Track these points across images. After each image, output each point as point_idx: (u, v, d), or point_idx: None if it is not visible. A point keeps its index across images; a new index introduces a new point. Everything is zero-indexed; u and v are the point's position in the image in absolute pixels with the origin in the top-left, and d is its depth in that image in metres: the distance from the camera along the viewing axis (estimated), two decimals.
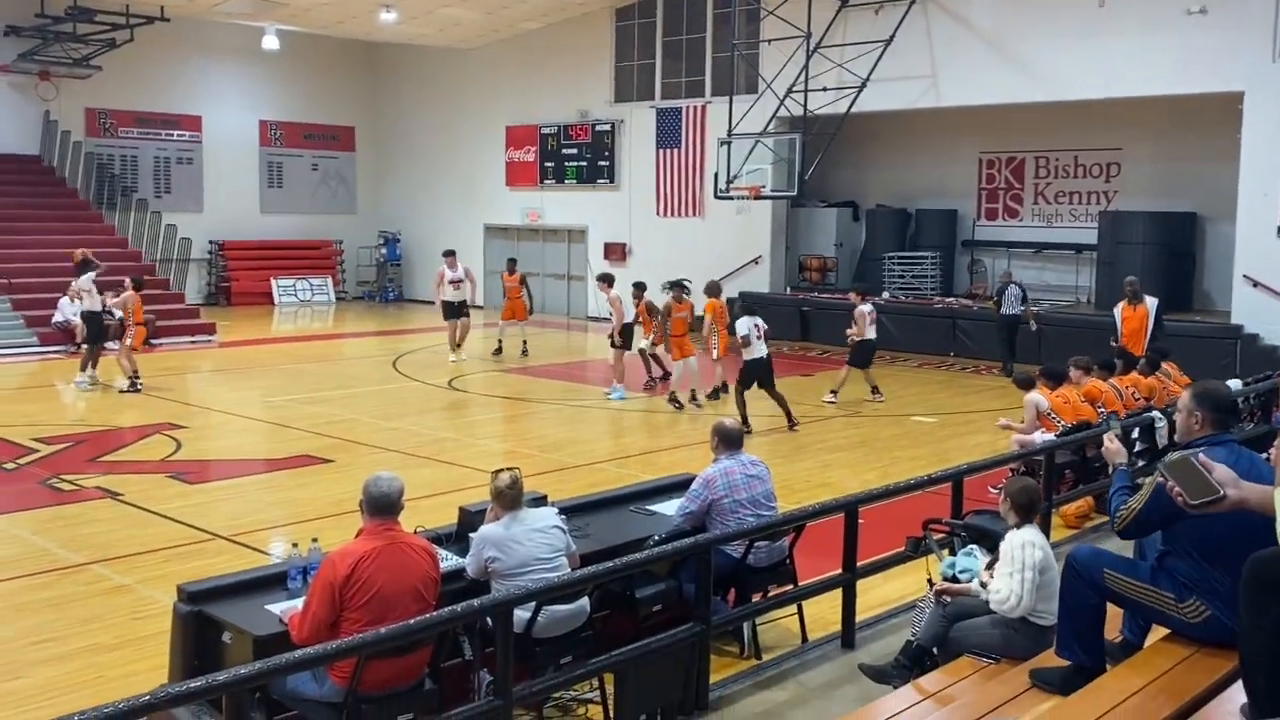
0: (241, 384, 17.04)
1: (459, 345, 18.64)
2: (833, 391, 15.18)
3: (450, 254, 19.28)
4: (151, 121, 27.03)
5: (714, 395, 15.25)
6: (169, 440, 12.40)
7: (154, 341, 20.48)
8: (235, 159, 28.43)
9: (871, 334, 15.30)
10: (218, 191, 28.11)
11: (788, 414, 13.23)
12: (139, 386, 15.60)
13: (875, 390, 15.32)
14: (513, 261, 19.96)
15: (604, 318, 21.29)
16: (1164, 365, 11.82)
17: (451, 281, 18.62)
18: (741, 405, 13.06)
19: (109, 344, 16.09)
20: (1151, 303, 14.37)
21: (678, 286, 15.81)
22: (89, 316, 16.09)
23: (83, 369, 16.02)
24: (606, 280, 16.60)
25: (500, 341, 19.36)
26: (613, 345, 15.87)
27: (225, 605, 5.10)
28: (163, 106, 27.10)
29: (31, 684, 4.78)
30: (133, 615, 7.05)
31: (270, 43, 26.09)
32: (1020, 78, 19.01)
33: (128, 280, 16.07)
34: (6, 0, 23.59)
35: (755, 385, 13.18)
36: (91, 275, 16.11)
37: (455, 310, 18.66)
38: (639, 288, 16.39)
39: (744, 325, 13.11)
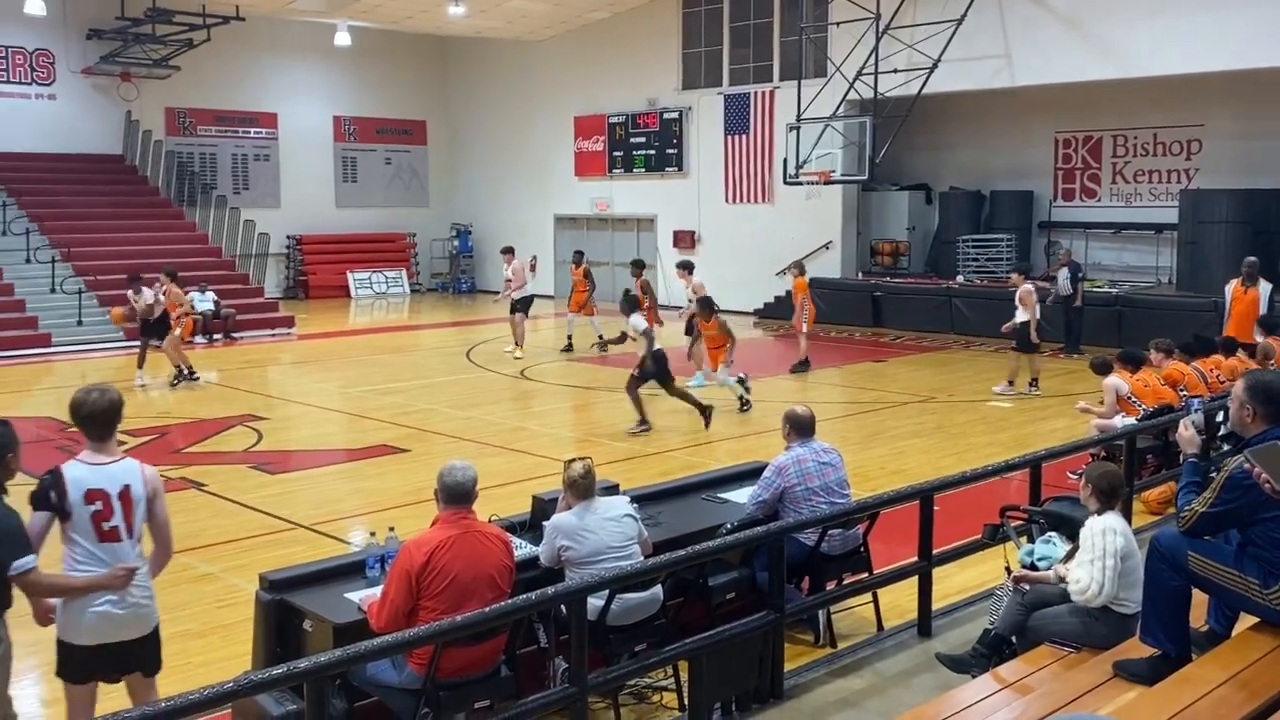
0: (320, 376, 17.34)
1: (516, 343, 18.43)
2: (1009, 383, 14.59)
3: (507, 251, 19.16)
4: (229, 119, 27.59)
5: (801, 367, 15.61)
6: (250, 432, 12.67)
7: (235, 335, 21.00)
8: (310, 155, 28.92)
9: (1034, 315, 14.43)
10: (294, 187, 28.63)
11: (700, 409, 12.60)
12: (195, 376, 15.93)
13: (1034, 382, 14.57)
14: (579, 254, 19.92)
15: (672, 306, 21.29)
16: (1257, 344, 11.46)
17: (506, 280, 18.69)
18: (636, 401, 12.44)
19: (153, 340, 16.07)
20: (1265, 288, 13.86)
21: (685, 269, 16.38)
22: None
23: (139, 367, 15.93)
24: (687, 268, 16.33)
25: (570, 337, 19.09)
26: (686, 333, 15.79)
27: (306, 593, 5.21)
28: (240, 104, 27.64)
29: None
30: (217, 603, 7.23)
31: (342, 39, 26.51)
32: (1096, 55, 18.59)
33: (162, 275, 16.37)
34: (88, 4, 24.22)
35: (652, 381, 12.49)
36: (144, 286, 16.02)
37: (516, 304, 18.49)
38: (637, 266, 17.77)
39: (642, 320, 12.72)
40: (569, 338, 19.07)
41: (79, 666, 4.56)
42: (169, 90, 26.21)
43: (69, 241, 21.79)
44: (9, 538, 4.27)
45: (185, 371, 15.95)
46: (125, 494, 4.40)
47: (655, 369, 12.31)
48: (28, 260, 21.05)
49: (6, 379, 16.75)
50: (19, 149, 24.09)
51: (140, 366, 15.90)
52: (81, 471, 4.35)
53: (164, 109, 26.49)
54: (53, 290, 20.46)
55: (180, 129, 26.92)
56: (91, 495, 4.33)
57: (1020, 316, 14.52)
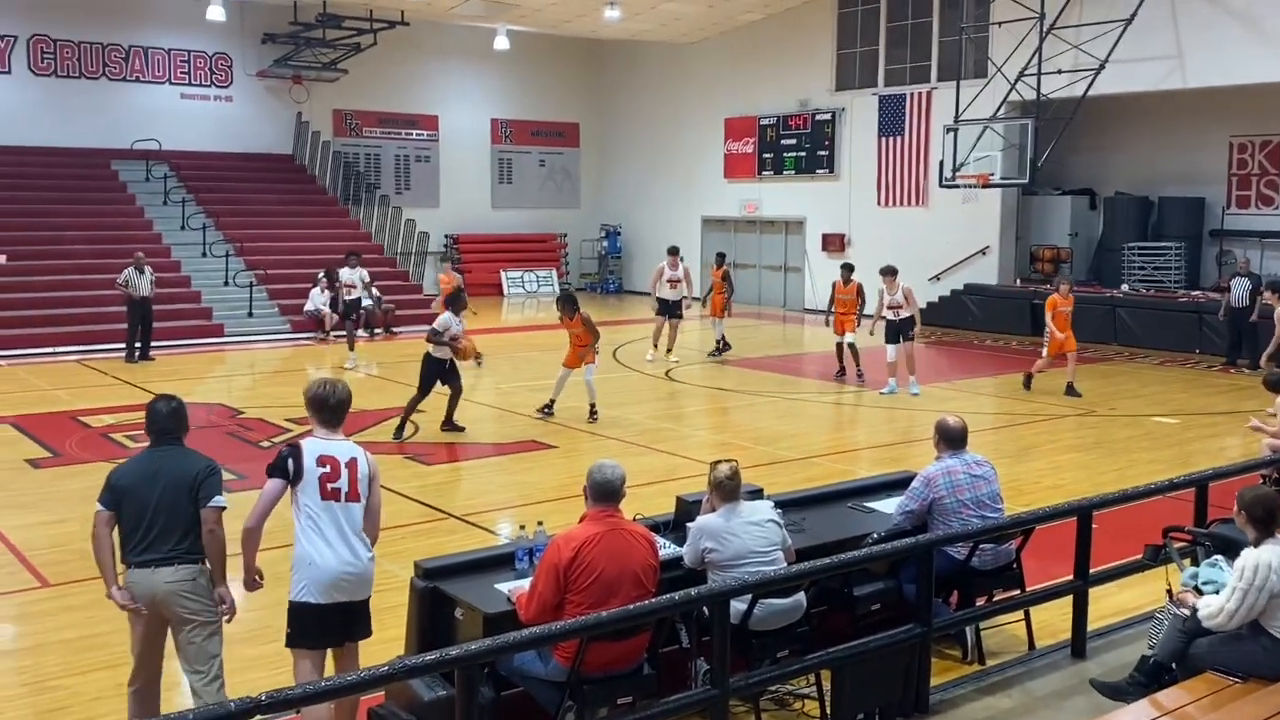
0: (473, 371, 17.74)
1: (669, 349, 18.20)
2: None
3: (674, 251, 18.85)
4: (392, 121, 28.54)
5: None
6: (409, 423, 13.06)
7: (394, 330, 21.70)
8: (468, 156, 29.70)
9: None
10: (452, 187, 29.44)
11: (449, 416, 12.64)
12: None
13: None
14: (721, 255, 19.70)
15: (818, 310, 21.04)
16: None
17: (670, 280, 18.20)
18: (410, 410, 12.35)
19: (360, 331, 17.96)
20: None
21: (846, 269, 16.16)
22: (352, 304, 18.40)
23: (351, 347, 18.14)
24: (892, 273, 15.21)
25: (717, 341, 18.78)
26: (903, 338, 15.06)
27: (458, 583, 5.36)
28: (402, 107, 28.58)
29: (281, 651, 5.17)
30: (375, 588, 7.48)
31: (501, 43, 27.14)
32: (1277, 56, 17.65)
33: (444, 263, 18.12)
34: (264, 10, 25.40)
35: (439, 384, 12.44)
36: (351, 268, 18.46)
37: (669, 309, 18.19)
38: (720, 258, 17.79)
39: (448, 320, 12.36)
40: (718, 341, 18.83)
41: (316, 627, 5.00)
42: (337, 93, 27.28)
43: (242, 237, 22.90)
44: (215, 476, 5.01)
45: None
46: (352, 464, 4.97)
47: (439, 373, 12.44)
48: (204, 254, 22.20)
49: (182, 366, 17.68)
50: (198, 148, 25.46)
51: (351, 349, 17.91)
52: (316, 444, 5.00)
53: (332, 111, 27.59)
54: (226, 283, 21.53)
55: (347, 130, 27.98)
56: (323, 459, 4.93)
57: None
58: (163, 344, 18.59)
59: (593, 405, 13.30)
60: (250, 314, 21.09)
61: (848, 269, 16.29)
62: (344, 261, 18.79)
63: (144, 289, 17.75)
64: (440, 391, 12.53)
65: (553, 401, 13.45)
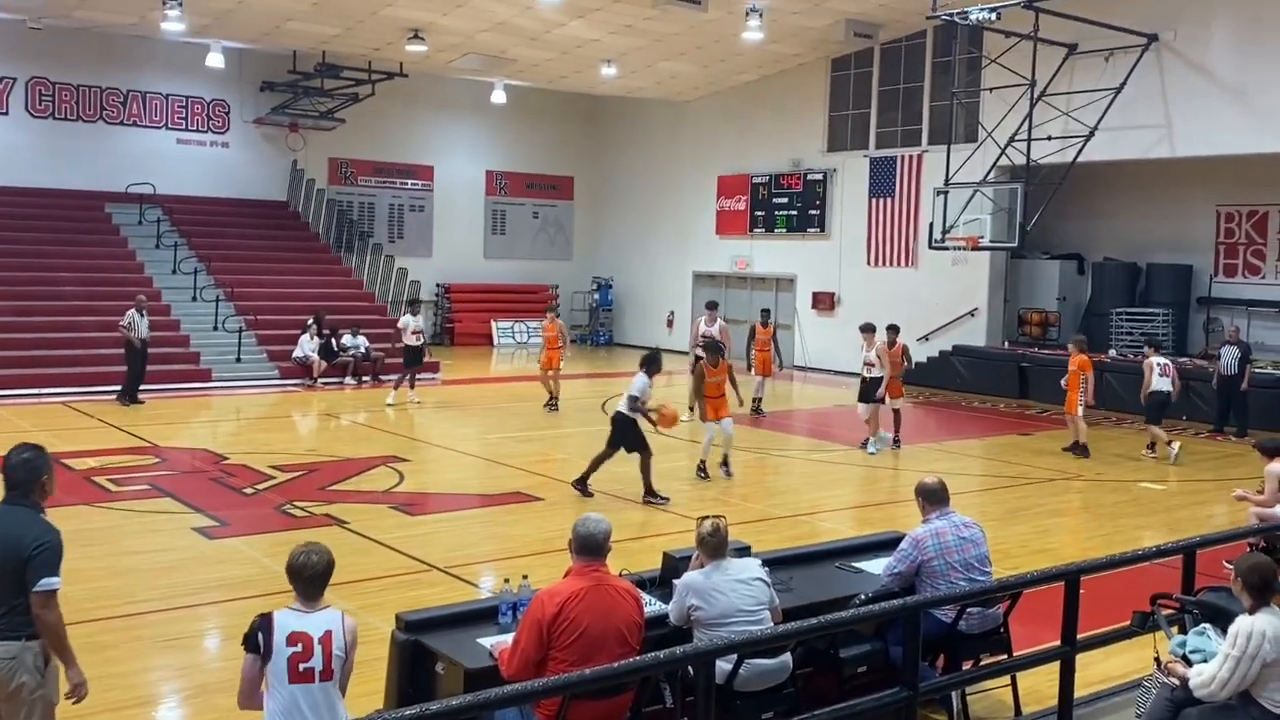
0: (461, 420, 17.73)
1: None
2: None
3: (712, 305, 18.18)
4: (388, 171, 28.72)
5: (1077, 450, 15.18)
6: (393, 472, 13.01)
7: (383, 378, 21.65)
8: (462, 207, 29.88)
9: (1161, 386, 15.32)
10: (446, 237, 29.58)
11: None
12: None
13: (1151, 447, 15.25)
14: (765, 313, 19.30)
15: (812, 367, 21.10)
16: None
17: (704, 335, 17.12)
18: (597, 465, 11.82)
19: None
20: None
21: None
22: (410, 349, 18.95)
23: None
24: (869, 330, 15.46)
25: (756, 399, 18.16)
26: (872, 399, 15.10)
27: (439, 636, 5.29)
28: (398, 157, 28.77)
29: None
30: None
31: (498, 97, 27.42)
32: (1264, 127, 17.91)
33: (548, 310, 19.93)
34: (263, 59, 25.62)
35: None
36: (413, 315, 19.17)
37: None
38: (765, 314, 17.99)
39: (644, 384, 11.74)
40: (756, 399, 18.23)
41: None
42: (333, 141, 27.46)
43: (233, 282, 22.90)
44: (46, 551, 4.51)
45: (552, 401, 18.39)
46: (327, 639, 4.46)
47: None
48: (194, 299, 22.18)
49: (168, 411, 17.60)
50: (193, 193, 25.55)
51: (396, 388, 18.70)
52: (289, 618, 4.46)
53: (327, 159, 27.75)
54: (215, 328, 21.49)
55: (342, 178, 28.13)
56: (294, 638, 4.41)
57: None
58: (150, 388, 18.51)
59: (725, 458, 13.21)
60: (239, 359, 21.03)
61: (893, 330, 15.84)
62: (409, 308, 19.57)
63: (144, 331, 17.84)
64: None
65: (704, 462, 13.18)
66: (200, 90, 25.91)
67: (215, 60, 23.94)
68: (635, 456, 11.72)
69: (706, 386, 13.10)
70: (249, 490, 11.96)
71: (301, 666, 4.40)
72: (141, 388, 18.08)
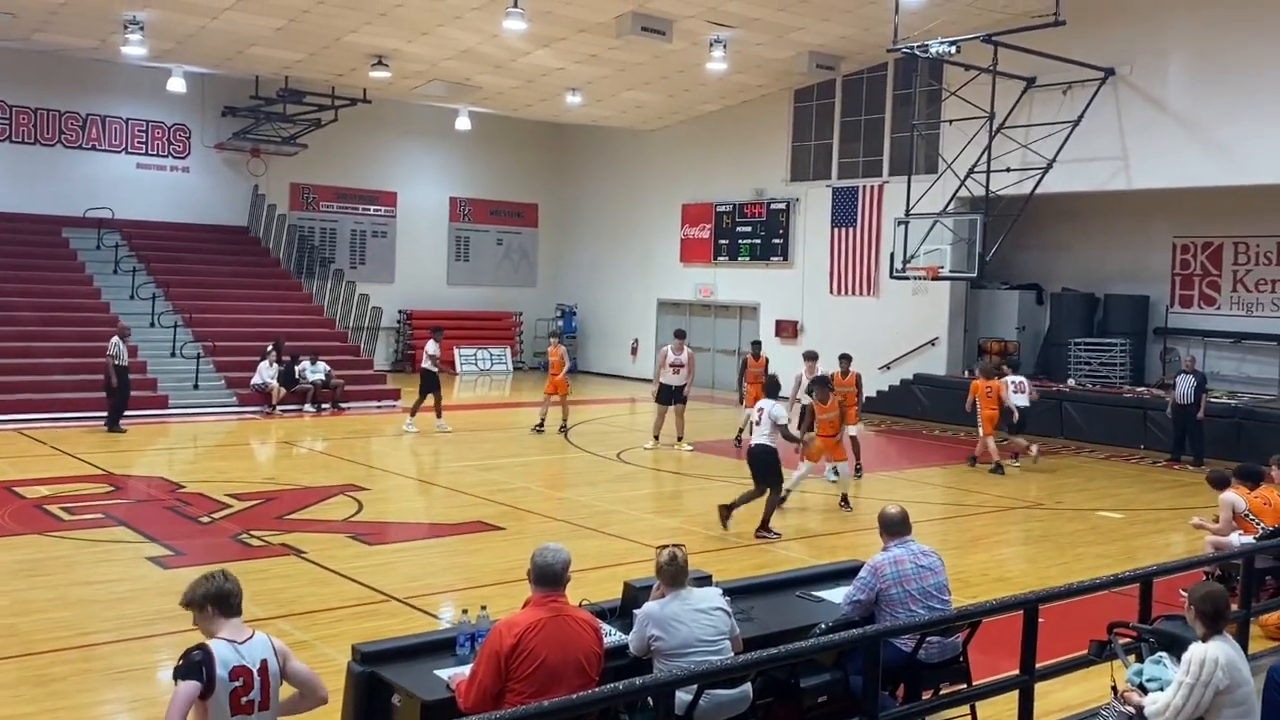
0: (422, 449, 17.61)
1: (680, 437, 17.56)
2: None
3: (680, 334, 18.41)
4: (350, 196, 28.61)
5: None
6: (351, 501, 12.88)
7: (343, 405, 21.48)
8: (426, 233, 29.80)
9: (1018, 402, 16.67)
10: (408, 263, 29.48)
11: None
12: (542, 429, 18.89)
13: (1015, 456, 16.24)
14: (757, 345, 19.04)
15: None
16: None
17: (673, 365, 17.51)
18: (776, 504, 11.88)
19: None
20: None
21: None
22: (426, 374, 18.81)
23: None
24: (811, 358, 15.91)
25: (741, 429, 17.92)
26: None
27: (396, 668, 5.22)
28: (361, 182, 28.69)
29: None
30: None
31: (463, 124, 27.44)
32: (1218, 160, 18.24)
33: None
34: (225, 83, 25.49)
35: None
36: (435, 341, 19.06)
37: (671, 395, 17.51)
38: (756, 346, 17.89)
39: (781, 410, 11.82)
40: (741, 430, 17.95)
41: None
42: (295, 166, 27.33)
43: (191, 308, 22.67)
44: None
45: (546, 422, 18.69)
46: (264, 669, 4.43)
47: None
48: (152, 324, 21.92)
49: (124, 438, 17.34)
50: (152, 218, 25.31)
51: (414, 414, 18.71)
52: (227, 651, 4.38)
53: (289, 184, 27.61)
54: (173, 354, 21.24)
55: (303, 204, 27.98)
56: (236, 673, 4.36)
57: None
58: (105, 414, 18.25)
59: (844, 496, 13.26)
60: (196, 386, 20.78)
61: (845, 360, 15.82)
62: (430, 335, 19.40)
63: (125, 358, 17.90)
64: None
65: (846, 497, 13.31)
66: (161, 114, 25.73)
67: (176, 85, 23.81)
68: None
69: (820, 425, 13.00)
70: (205, 519, 11.80)
71: (244, 699, 4.37)
72: (98, 414, 17.85)
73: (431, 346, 18.89)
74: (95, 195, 24.50)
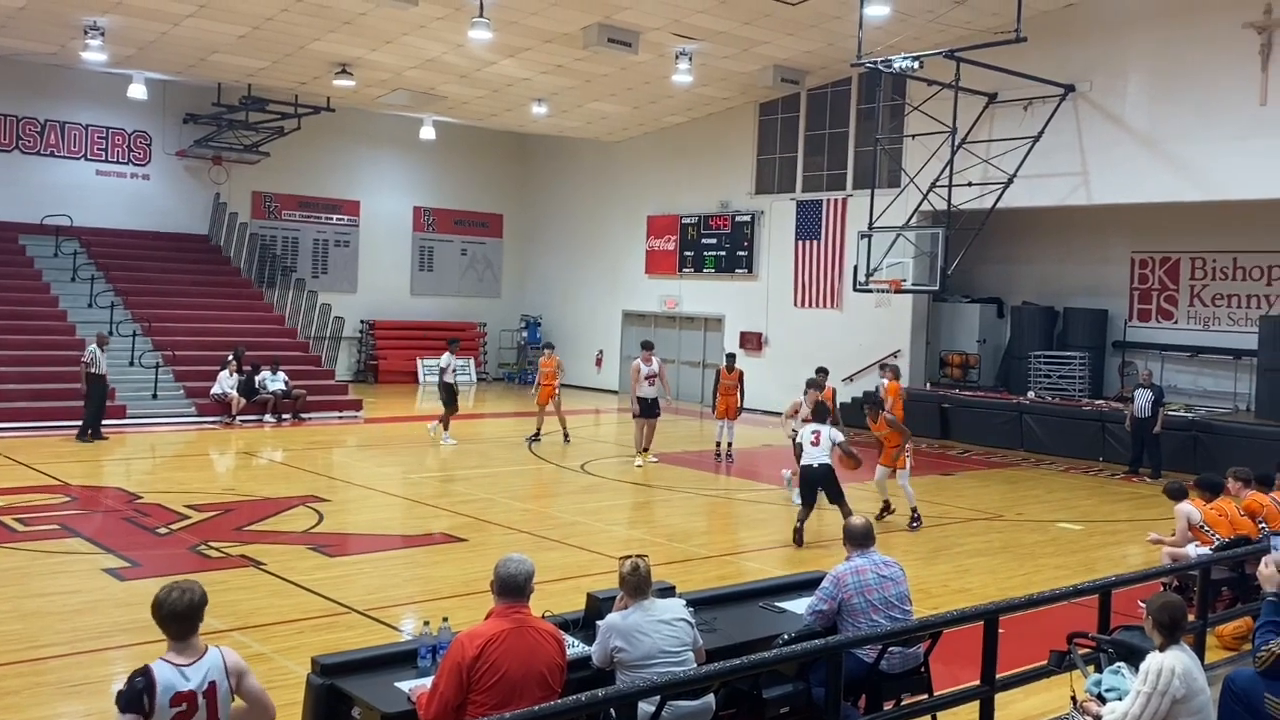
0: (384, 460, 17.49)
1: (646, 448, 17.36)
2: None
3: (648, 346, 18.13)
4: (313, 205, 28.43)
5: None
6: (312, 512, 12.76)
7: (304, 415, 21.30)
8: (389, 243, 29.66)
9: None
10: (371, 273, 29.32)
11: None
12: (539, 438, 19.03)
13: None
14: (731, 357, 18.99)
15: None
16: None
17: (647, 377, 17.34)
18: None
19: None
20: None
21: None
22: (446, 386, 18.89)
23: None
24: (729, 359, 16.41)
25: (718, 442, 18.19)
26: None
27: (357, 680, 5.17)
28: (324, 191, 28.51)
29: None
30: (267, 684, 7.08)
31: (427, 133, 27.35)
32: (1176, 176, 18.50)
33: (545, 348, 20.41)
34: (187, 91, 25.28)
35: None
36: (452, 353, 19.11)
37: (650, 408, 17.35)
38: (730, 359, 18.05)
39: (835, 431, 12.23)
40: (725, 444, 18.12)
41: None
42: (257, 175, 27.12)
43: (150, 317, 22.41)
44: None
45: (544, 431, 18.93)
46: (211, 691, 4.33)
47: None
48: (110, 333, 21.57)
49: (81, 448, 17.11)
50: (112, 225, 25.05)
51: (446, 428, 18.70)
52: (170, 675, 4.27)
53: (251, 193, 27.39)
54: (131, 364, 20.97)
55: (265, 212, 27.77)
56: (178, 699, 4.25)
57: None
58: (62, 424, 18.01)
59: (914, 510, 13.24)
60: (155, 396, 20.54)
61: (822, 373, 15.99)
62: (446, 347, 19.42)
63: (104, 367, 17.74)
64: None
65: (887, 503, 13.60)
66: (121, 121, 25.47)
67: (137, 91, 23.58)
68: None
69: (884, 438, 13.49)
70: (163, 530, 11.65)
71: None
72: (55, 424, 17.62)
73: (445, 359, 19.01)
74: (53, 202, 24.20)
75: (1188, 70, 18.42)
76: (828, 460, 11.89)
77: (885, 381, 15.27)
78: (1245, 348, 19.90)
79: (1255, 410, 19.36)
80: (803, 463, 12.09)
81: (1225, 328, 20.70)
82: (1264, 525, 9.54)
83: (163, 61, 22.42)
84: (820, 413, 12.83)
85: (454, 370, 19.05)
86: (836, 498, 11.92)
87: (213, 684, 4.34)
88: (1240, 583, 9.09)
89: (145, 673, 4.25)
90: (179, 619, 4.36)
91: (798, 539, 11.91)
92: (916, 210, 20.73)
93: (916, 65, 18.07)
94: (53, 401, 18.37)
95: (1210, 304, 20.97)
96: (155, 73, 23.56)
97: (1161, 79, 18.84)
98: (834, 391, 16.66)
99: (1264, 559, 4.68)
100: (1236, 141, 17.65)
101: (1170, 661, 4.86)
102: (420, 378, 28.97)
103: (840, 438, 12.10)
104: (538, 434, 19.15)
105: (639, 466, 17.03)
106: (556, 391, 19.09)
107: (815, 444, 11.96)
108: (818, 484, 11.92)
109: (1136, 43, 19.17)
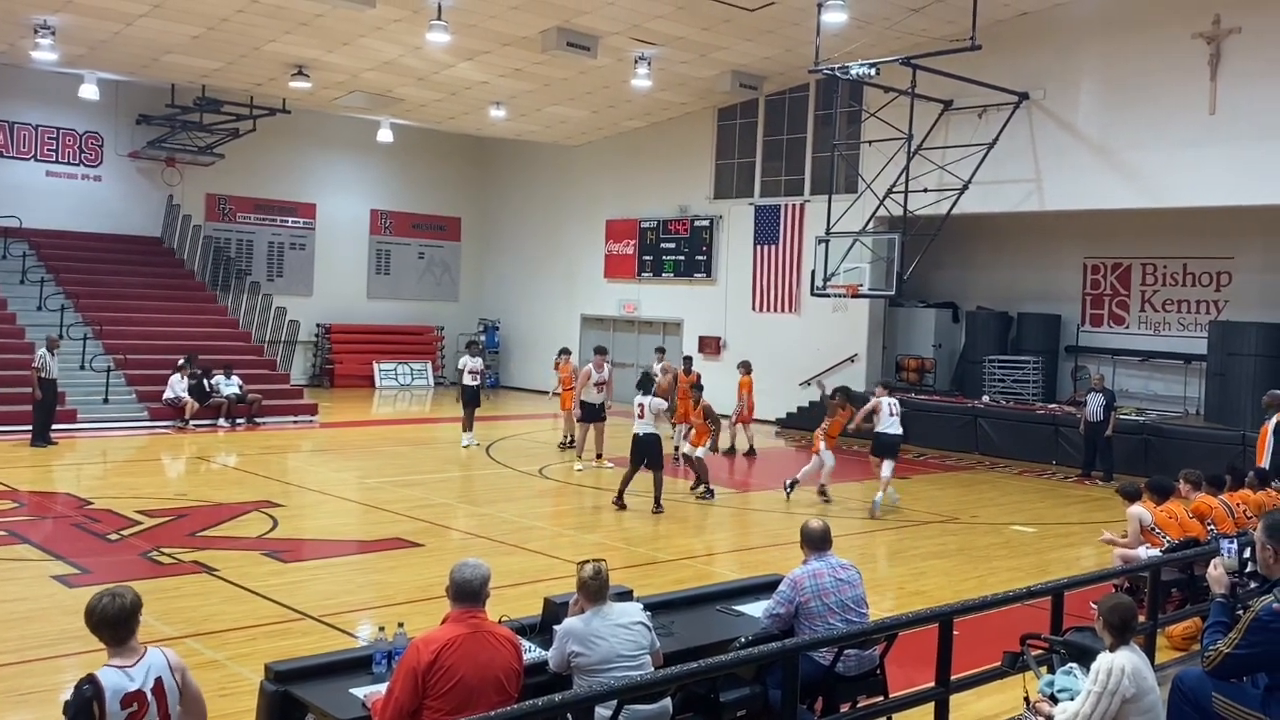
0: (339, 464, 17.34)
1: (599, 454, 17.39)
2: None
3: (601, 351, 18.11)
4: (268, 208, 28.16)
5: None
6: (266, 518, 12.63)
7: (258, 420, 21.08)
8: (346, 246, 29.43)
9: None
10: (327, 276, 29.07)
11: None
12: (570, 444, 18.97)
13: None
14: (689, 360, 18.84)
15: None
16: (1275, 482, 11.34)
17: (596, 384, 17.25)
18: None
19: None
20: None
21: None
22: (466, 389, 19.01)
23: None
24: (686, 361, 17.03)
25: (677, 445, 17.96)
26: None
27: (311, 687, 5.12)
28: (279, 194, 28.25)
29: None
30: (220, 691, 7.11)
31: (384, 136, 27.16)
32: (1127, 184, 18.78)
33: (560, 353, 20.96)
34: (140, 91, 24.95)
35: None
36: (472, 356, 19.33)
37: (596, 413, 17.34)
38: (689, 361, 18.91)
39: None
40: (677, 447, 17.97)
41: None
42: (211, 177, 26.82)
43: (102, 320, 22.09)
44: None
45: (568, 440, 18.93)
46: (159, 688, 4.31)
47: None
48: (61, 336, 21.23)
49: (30, 453, 16.83)
50: (62, 227, 24.66)
51: (468, 429, 18.91)
52: (116, 678, 4.23)
53: (205, 195, 27.09)
54: (82, 367, 20.65)
55: (220, 215, 27.47)
56: (128, 699, 4.22)
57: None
58: (9, 429, 17.71)
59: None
60: (106, 400, 20.23)
61: (687, 360, 17.46)
62: (468, 348, 19.80)
63: (55, 371, 17.52)
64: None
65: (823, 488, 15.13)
66: (73, 122, 25.09)
67: (89, 91, 23.24)
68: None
69: (831, 425, 15.39)
70: (113, 536, 11.47)
71: None
72: (3, 429, 17.31)
73: (469, 361, 19.15)
74: (2, 203, 23.78)
75: (1139, 79, 18.70)
76: (653, 430, 13.73)
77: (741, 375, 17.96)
78: (1195, 352, 20.23)
79: (1205, 414, 19.68)
80: (633, 431, 13.87)
81: (1176, 333, 21.03)
82: (1213, 527, 9.69)
83: (115, 61, 22.12)
84: (644, 384, 14.42)
85: (471, 372, 18.95)
86: (656, 465, 13.79)
87: (159, 680, 4.32)
88: (1189, 584, 9.23)
89: (91, 680, 4.20)
90: (111, 625, 4.33)
91: (619, 500, 13.81)
92: (873, 216, 20.89)
93: (873, 72, 18.21)
94: (1, 406, 18.03)
95: (1161, 309, 21.30)
96: (107, 73, 23.24)
97: (1113, 88, 19.11)
98: (699, 375, 18.19)
99: (1212, 561, 4.75)
100: (1186, 150, 17.95)
101: (1120, 661, 4.92)
102: (377, 382, 28.76)
103: (663, 405, 14.19)
104: (570, 439, 18.91)
105: (579, 470, 16.99)
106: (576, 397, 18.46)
107: (640, 416, 13.81)
108: (644, 451, 13.69)
109: (1089, 52, 19.44)
